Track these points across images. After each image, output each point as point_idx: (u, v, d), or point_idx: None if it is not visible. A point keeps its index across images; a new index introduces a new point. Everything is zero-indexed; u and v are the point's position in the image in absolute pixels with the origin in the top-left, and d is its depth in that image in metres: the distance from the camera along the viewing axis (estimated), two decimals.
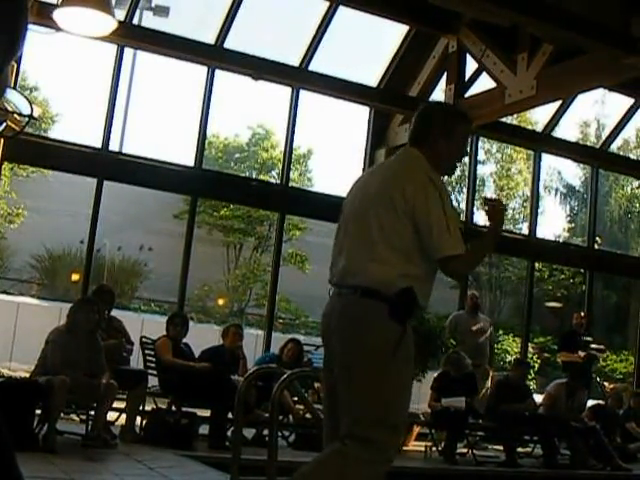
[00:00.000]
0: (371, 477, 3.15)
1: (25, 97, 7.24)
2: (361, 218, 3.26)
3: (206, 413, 7.82)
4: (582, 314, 11.58)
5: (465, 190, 13.68)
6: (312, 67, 10.57)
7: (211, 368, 7.78)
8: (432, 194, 3.15)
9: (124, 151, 10.33)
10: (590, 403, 10.22)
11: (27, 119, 6.85)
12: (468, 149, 3.61)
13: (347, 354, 3.18)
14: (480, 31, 9.70)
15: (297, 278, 19.17)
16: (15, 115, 6.77)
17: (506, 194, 21.33)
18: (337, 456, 3.12)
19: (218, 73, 10.30)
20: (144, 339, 8.42)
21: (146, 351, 8.33)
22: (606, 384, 12.15)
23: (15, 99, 6.72)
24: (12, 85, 7.17)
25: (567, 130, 17.77)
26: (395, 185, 3.20)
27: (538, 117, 15.95)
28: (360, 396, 3.13)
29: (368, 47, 13.31)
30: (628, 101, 12.36)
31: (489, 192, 21.21)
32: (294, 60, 10.53)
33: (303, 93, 10.85)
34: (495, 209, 3.35)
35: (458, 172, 20.75)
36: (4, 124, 6.71)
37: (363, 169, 11.29)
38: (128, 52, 10.21)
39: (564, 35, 7.98)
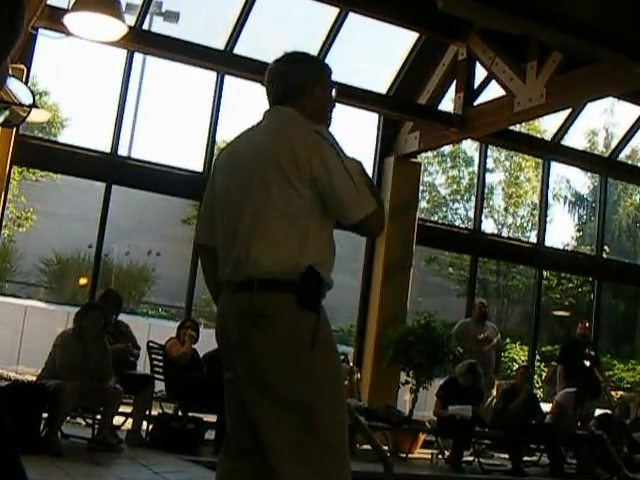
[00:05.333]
0: None
1: (26, 86, 7.20)
2: (244, 203, 2.81)
3: (212, 418, 7.81)
4: (586, 324, 11.51)
5: (474, 198, 13.67)
6: None
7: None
8: (328, 153, 2.73)
9: (133, 156, 10.35)
10: (597, 412, 10.18)
11: (29, 109, 6.82)
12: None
13: (260, 367, 2.71)
14: (490, 39, 9.69)
15: None
16: (16, 106, 6.72)
17: (514, 202, 21.31)
18: None
19: (227, 79, 10.31)
20: (151, 344, 8.42)
21: (153, 355, 8.33)
22: (613, 393, 12.08)
23: (16, 89, 6.67)
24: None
25: (576, 139, 17.77)
26: (280, 155, 2.75)
27: (547, 125, 15.95)
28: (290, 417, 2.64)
29: (378, 54, 13.31)
30: (637, 110, 12.32)
31: (498, 200, 21.23)
32: None
33: None
34: None
35: (467, 180, 20.82)
36: (5, 113, 6.66)
37: (372, 176, 11.27)
38: (138, 57, 10.24)
39: (574, 43, 7.95)
